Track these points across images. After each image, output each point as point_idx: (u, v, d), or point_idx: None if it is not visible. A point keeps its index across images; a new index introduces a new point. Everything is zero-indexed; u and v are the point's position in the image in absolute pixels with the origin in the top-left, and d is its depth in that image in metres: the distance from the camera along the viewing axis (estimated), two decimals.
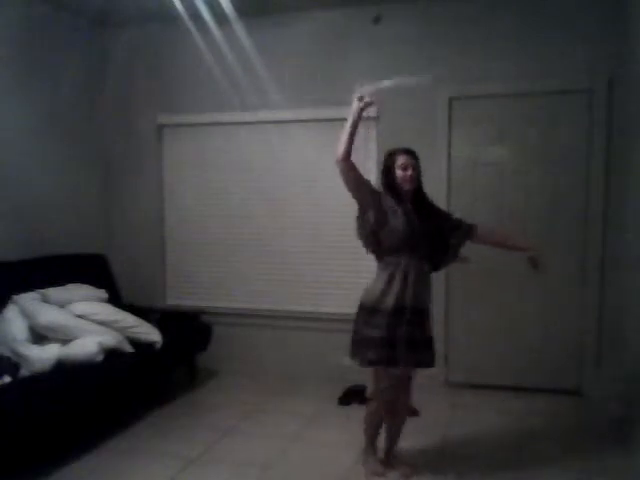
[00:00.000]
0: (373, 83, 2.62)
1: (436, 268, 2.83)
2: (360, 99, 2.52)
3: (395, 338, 2.62)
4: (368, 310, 2.67)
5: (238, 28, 4.03)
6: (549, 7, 3.74)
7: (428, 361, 2.72)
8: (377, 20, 3.97)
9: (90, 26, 4.43)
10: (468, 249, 2.86)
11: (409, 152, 2.73)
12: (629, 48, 3.45)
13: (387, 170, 2.72)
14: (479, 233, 2.83)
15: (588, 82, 3.71)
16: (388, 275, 2.66)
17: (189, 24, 4.04)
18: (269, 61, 4.15)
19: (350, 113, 2.54)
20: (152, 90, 4.50)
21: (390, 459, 2.91)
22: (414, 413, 3.50)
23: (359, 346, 2.70)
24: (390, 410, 2.80)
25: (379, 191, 2.73)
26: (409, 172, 2.67)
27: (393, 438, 2.90)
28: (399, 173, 2.68)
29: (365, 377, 3.62)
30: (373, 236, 2.69)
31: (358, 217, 2.73)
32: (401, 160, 2.69)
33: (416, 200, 2.73)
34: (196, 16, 3.97)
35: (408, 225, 2.64)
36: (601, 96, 3.68)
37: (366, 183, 2.68)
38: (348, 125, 2.54)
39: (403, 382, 2.78)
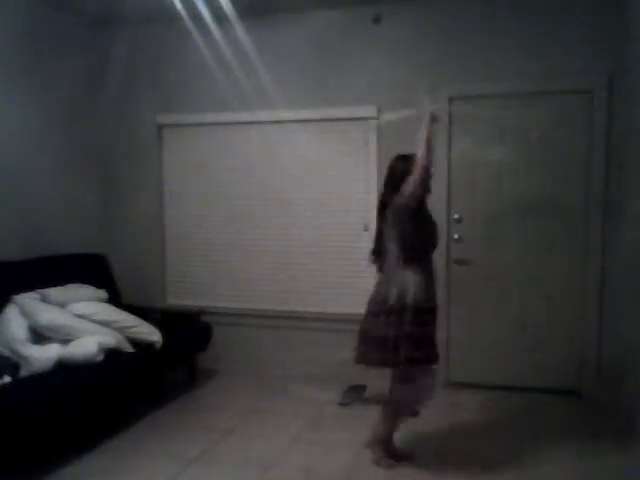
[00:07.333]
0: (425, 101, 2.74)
1: None
2: (433, 118, 2.65)
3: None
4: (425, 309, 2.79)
5: (238, 28, 4.04)
6: (549, 7, 3.74)
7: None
8: (377, 20, 3.97)
9: (90, 26, 4.43)
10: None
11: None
12: (629, 48, 3.45)
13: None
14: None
15: (588, 82, 3.71)
16: (427, 275, 2.78)
17: (189, 24, 4.05)
18: (269, 61, 4.15)
19: (424, 129, 2.63)
20: (152, 90, 4.50)
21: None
22: (414, 413, 3.49)
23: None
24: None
25: None
26: None
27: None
28: None
29: (365, 377, 3.64)
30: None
31: (411, 227, 2.75)
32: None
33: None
34: (196, 16, 3.97)
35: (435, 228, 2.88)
36: (601, 96, 3.68)
37: None
38: (425, 139, 2.61)
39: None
